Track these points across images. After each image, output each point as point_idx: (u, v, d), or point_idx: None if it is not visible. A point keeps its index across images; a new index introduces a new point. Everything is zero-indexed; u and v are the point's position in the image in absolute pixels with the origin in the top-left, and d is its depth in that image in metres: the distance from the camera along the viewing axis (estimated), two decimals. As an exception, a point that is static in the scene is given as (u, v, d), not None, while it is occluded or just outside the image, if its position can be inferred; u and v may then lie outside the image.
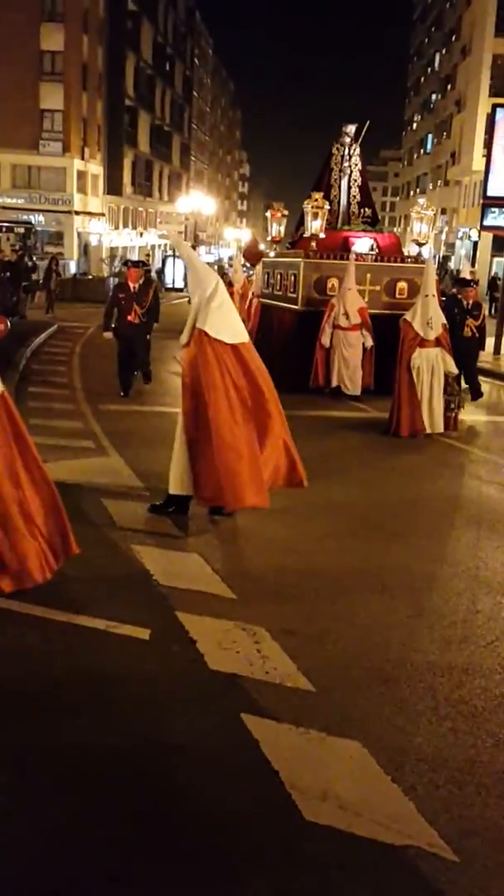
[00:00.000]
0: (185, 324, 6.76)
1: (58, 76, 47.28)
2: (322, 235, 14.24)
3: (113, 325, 12.64)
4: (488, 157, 21.52)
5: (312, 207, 14.23)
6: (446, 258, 51.96)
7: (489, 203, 21.33)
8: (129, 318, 12.37)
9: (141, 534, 6.66)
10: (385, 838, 3.30)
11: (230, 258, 61.53)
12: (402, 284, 14.22)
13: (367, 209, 15.84)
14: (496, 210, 21.06)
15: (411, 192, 75.10)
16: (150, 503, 7.23)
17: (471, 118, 48.55)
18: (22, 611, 5.12)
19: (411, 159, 78.27)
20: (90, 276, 42.78)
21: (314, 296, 14.02)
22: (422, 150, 71.35)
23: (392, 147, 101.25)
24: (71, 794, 3.52)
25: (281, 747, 3.86)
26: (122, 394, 12.67)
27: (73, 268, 45.16)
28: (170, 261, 46.81)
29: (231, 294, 25.33)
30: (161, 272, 45.38)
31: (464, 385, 12.04)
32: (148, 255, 53.24)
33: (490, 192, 21.14)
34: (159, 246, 64.39)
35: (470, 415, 12.32)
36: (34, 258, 33.56)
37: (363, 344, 13.14)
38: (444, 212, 51.89)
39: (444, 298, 13.05)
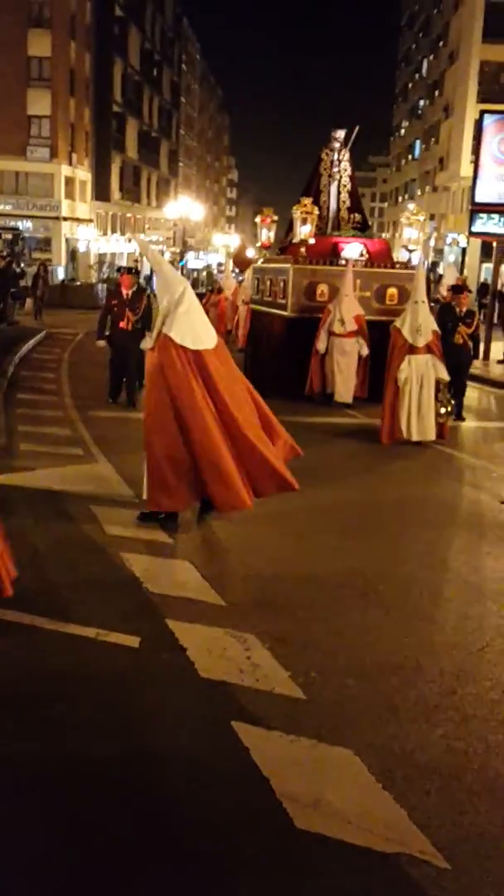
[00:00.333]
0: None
1: (45, 82, 47.29)
2: (312, 241, 14.20)
3: (106, 333, 12.61)
4: (476, 162, 21.58)
5: (302, 213, 14.19)
6: (435, 264, 52.11)
7: (477, 209, 21.37)
8: (122, 324, 12.33)
9: (130, 541, 6.63)
10: (377, 846, 3.29)
11: (219, 264, 61.64)
12: (392, 290, 14.19)
13: (356, 215, 15.79)
14: (484, 216, 21.09)
15: (399, 198, 75.33)
16: (140, 510, 7.21)
17: (458, 124, 48.74)
18: (11, 619, 5.09)
19: (399, 165, 78.50)
20: (78, 283, 42.76)
21: (304, 302, 13.98)
22: (410, 156, 71.55)
23: (380, 153, 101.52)
24: (62, 803, 3.50)
25: (271, 755, 3.85)
26: (109, 399, 12.64)
27: (61, 274, 45.13)
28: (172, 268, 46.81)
29: (221, 301, 25.43)
30: (150, 278, 45.37)
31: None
32: (136, 261, 53.19)
33: (478, 199, 21.20)
34: (148, 252, 64.27)
35: (459, 420, 12.33)
36: (22, 265, 33.50)
37: (359, 352, 13.04)
38: (432, 218, 52.05)
39: (432, 305, 13.06)
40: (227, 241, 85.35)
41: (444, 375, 10.70)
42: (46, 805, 3.49)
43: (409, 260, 15.13)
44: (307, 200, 14.36)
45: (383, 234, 69.53)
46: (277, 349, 14.52)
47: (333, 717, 4.21)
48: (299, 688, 4.45)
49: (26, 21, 46.34)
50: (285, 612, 5.46)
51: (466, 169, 40.12)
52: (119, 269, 13.79)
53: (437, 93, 58.55)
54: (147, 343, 6.89)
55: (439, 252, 54.04)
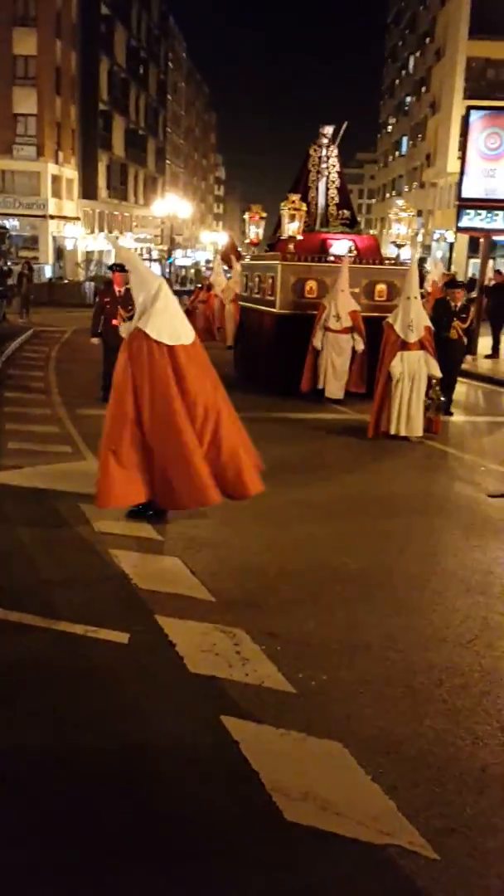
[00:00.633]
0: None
1: (31, 80, 47.16)
2: (300, 237, 14.18)
3: (100, 331, 12.58)
4: (463, 159, 21.60)
5: (290, 209, 14.11)
6: (423, 260, 52.19)
7: (464, 205, 21.41)
8: (115, 322, 12.31)
9: (119, 538, 6.63)
10: (366, 837, 3.31)
11: (208, 261, 61.57)
12: (381, 286, 14.17)
13: (345, 211, 15.72)
14: (471, 212, 21.11)
15: (387, 195, 75.40)
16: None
17: (445, 120, 48.82)
18: (0, 617, 5.09)
19: (387, 162, 78.55)
20: (66, 281, 42.69)
21: (293, 298, 13.96)
22: (397, 153, 71.62)
23: (368, 150, 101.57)
24: (52, 798, 3.51)
25: (261, 749, 3.86)
26: (102, 394, 12.58)
27: (48, 272, 45.02)
28: (146, 265, 46.75)
29: (210, 298, 25.33)
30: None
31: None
32: (124, 258, 53.10)
33: (465, 194, 21.22)
34: (135, 250, 64.29)
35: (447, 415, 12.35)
36: (9, 263, 33.39)
37: (353, 347, 13.00)
38: (419, 214, 52.10)
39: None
40: (214, 238, 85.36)
41: (436, 372, 10.67)
42: (37, 799, 3.50)
43: (398, 256, 15.10)
44: (295, 197, 14.29)
45: (371, 231, 69.61)
46: (266, 346, 14.51)
47: (323, 710, 4.23)
48: (289, 682, 4.46)
49: (12, 20, 46.22)
50: (274, 606, 5.47)
51: (453, 165, 40.18)
52: (112, 267, 13.77)
53: (423, 89, 58.60)
54: (124, 330, 6.94)
55: (427, 248, 54.13)
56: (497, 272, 21.88)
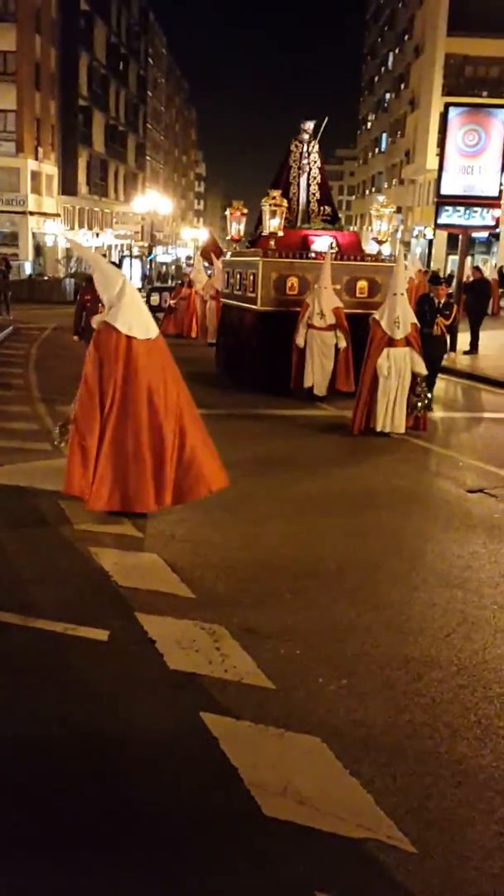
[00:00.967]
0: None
1: (10, 76, 46.79)
2: (281, 234, 14.13)
3: (81, 328, 12.53)
4: (441, 155, 21.72)
5: (271, 205, 14.04)
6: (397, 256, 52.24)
7: (443, 201, 21.52)
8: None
9: (99, 535, 6.63)
10: (344, 832, 3.33)
11: (188, 258, 61.46)
12: (363, 283, 14.14)
13: (326, 207, 15.63)
14: (450, 208, 21.23)
15: (367, 191, 75.51)
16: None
17: (424, 117, 48.96)
18: (-22, 615, 5.08)
19: (366, 158, 78.65)
20: (46, 277, 42.49)
21: (274, 295, 13.92)
22: (377, 149, 71.73)
23: (347, 146, 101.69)
24: (26, 790, 3.51)
25: (240, 744, 3.87)
26: None
27: (28, 269, 44.78)
28: (126, 261, 46.59)
29: (190, 295, 25.19)
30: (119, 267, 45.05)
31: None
32: (104, 255, 52.91)
33: (443, 191, 21.34)
34: (115, 246, 64.08)
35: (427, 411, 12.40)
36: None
37: (336, 345, 12.98)
38: (399, 210, 52.23)
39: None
40: (195, 234, 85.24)
41: (422, 369, 10.66)
42: (10, 791, 3.49)
43: (380, 252, 15.09)
44: (276, 193, 14.21)
45: (351, 227, 69.70)
46: (248, 343, 14.49)
47: (302, 705, 4.24)
48: (268, 678, 4.48)
49: (-10, 15, 45.86)
50: (254, 602, 5.48)
51: (432, 162, 40.34)
52: None
53: (402, 86, 58.73)
54: (95, 322, 6.99)
55: (406, 244, 54.28)
56: (475, 269, 22.00)
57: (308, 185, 15.53)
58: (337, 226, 16.17)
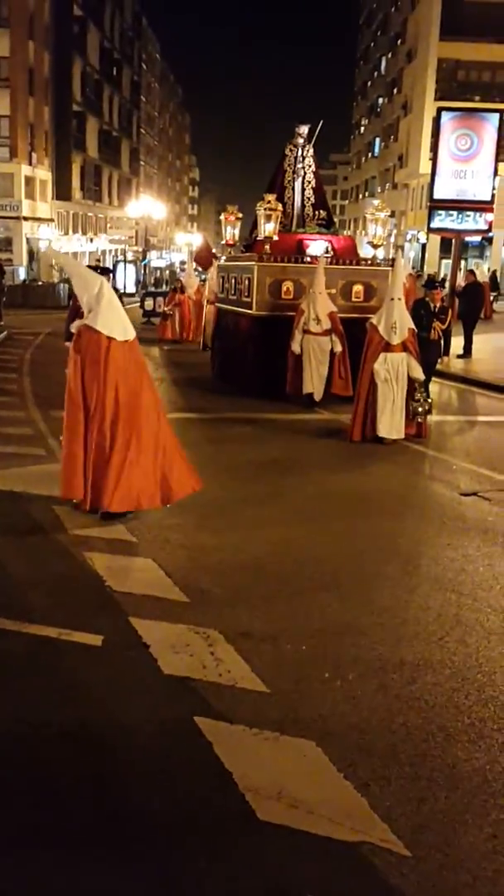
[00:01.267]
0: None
1: (4, 82, 46.81)
2: (276, 238, 14.11)
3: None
4: (434, 160, 21.76)
5: (266, 210, 14.00)
6: (393, 260, 52.35)
7: (435, 206, 21.57)
8: None
9: (93, 540, 6.62)
10: (338, 835, 3.33)
11: (182, 262, 61.56)
12: (358, 287, 14.13)
13: (321, 211, 15.62)
14: (442, 212, 21.29)
15: (360, 196, 75.65)
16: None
17: (417, 122, 49.06)
18: (-28, 620, 5.08)
19: (360, 163, 78.80)
20: (40, 283, 42.48)
21: (269, 300, 13.88)
22: (370, 154, 71.87)
23: (341, 151, 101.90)
24: (18, 793, 3.50)
25: (234, 748, 3.87)
26: None
27: (22, 274, 44.78)
28: (121, 266, 46.61)
29: (184, 300, 25.11)
30: (112, 277, 45.06)
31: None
32: (98, 260, 52.96)
33: (436, 195, 21.39)
34: (110, 251, 64.10)
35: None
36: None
37: (332, 349, 12.90)
38: (392, 214, 52.34)
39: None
40: (189, 239, 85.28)
41: (419, 375, 10.60)
42: (6, 800, 3.49)
43: (374, 256, 15.09)
44: (271, 197, 14.18)
45: (345, 232, 69.77)
46: (243, 347, 14.45)
47: (296, 709, 4.25)
48: (262, 682, 4.48)
49: (-17, 20, 45.88)
50: (248, 606, 5.48)
51: (425, 166, 40.37)
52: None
53: (395, 90, 58.87)
54: (74, 327, 7.07)
55: (400, 249, 54.37)
56: (469, 272, 22.03)
57: (303, 190, 15.53)
58: (332, 230, 16.17)
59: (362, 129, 77.90)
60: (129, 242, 60.79)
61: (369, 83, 72.94)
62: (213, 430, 11.33)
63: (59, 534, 6.76)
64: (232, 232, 16.37)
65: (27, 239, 48.74)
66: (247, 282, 14.23)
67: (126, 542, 6.62)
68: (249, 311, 14.10)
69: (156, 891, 3.09)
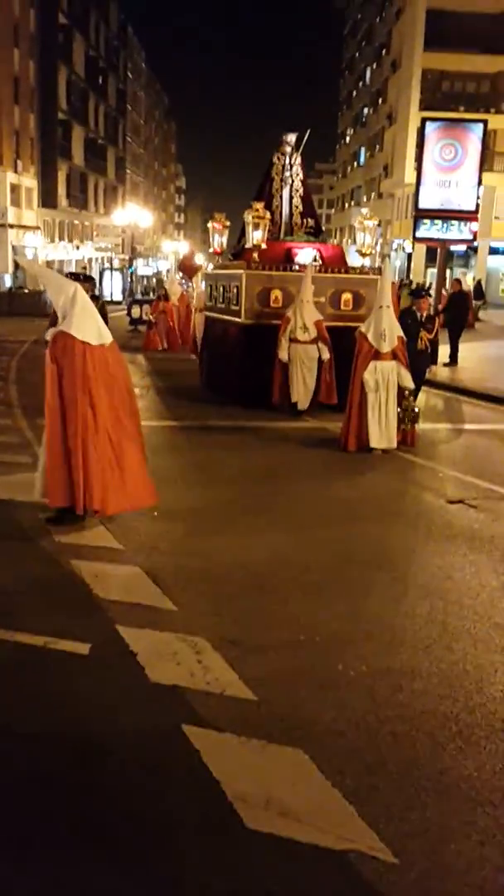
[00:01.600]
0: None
1: (-11, 89, 46.87)
2: (264, 246, 14.09)
3: None
4: (419, 169, 21.93)
5: (254, 218, 13.96)
6: (379, 269, 52.52)
7: (420, 215, 21.70)
8: None
9: (80, 548, 6.60)
10: (326, 843, 3.32)
11: (168, 271, 61.60)
12: (347, 296, 14.11)
13: (309, 219, 15.60)
14: (427, 222, 21.42)
15: (346, 205, 75.93)
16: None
17: (402, 132, 49.30)
18: (-42, 629, 5.05)
19: (345, 172, 79.09)
20: (26, 290, 42.40)
21: (258, 308, 13.86)
22: (355, 164, 72.15)
23: (327, 160, 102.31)
24: (11, 812, 3.48)
25: (222, 757, 3.87)
26: None
27: (7, 282, 44.69)
28: (107, 273, 46.61)
29: (168, 308, 25.07)
30: (99, 285, 45.09)
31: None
32: (84, 267, 53.00)
33: (421, 205, 21.53)
34: (96, 259, 64.10)
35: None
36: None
37: (319, 357, 12.88)
38: (378, 224, 52.59)
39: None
40: (175, 247, 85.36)
41: (409, 383, 10.59)
42: (-5, 814, 3.48)
43: (364, 265, 15.11)
44: (259, 205, 14.14)
45: (331, 241, 69.94)
46: (231, 356, 14.41)
47: (284, 717, 4.24)
48: (250, 690, 4.47)
49: (-32, 28, 45.89)
50: (236, 614, 5.47)
51: (410, 175, 40.59)
52: (71, 276, 13.66)
53: (380, 100, 59.16)
54: (49, 334, 7.07)
55: (386, 257, 54.57)
56: (456, 280, 22.14)
57: (291, 198, 15.54)
58: (320, 238, 16.18)
59: (348, 138, 78.21)
60: (116, 250, 60.86)
61: (354, 93, 73.26)
62: (201, 439, 11.33)
63: (46, 541, 6.74)
64: (220, 241, 16.33)
65: (13, 247, 48.67)
66: (235, 290, 14.20)
67: (113, 550, 6.60)
68: (238, 320, 14.06)
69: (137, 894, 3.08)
